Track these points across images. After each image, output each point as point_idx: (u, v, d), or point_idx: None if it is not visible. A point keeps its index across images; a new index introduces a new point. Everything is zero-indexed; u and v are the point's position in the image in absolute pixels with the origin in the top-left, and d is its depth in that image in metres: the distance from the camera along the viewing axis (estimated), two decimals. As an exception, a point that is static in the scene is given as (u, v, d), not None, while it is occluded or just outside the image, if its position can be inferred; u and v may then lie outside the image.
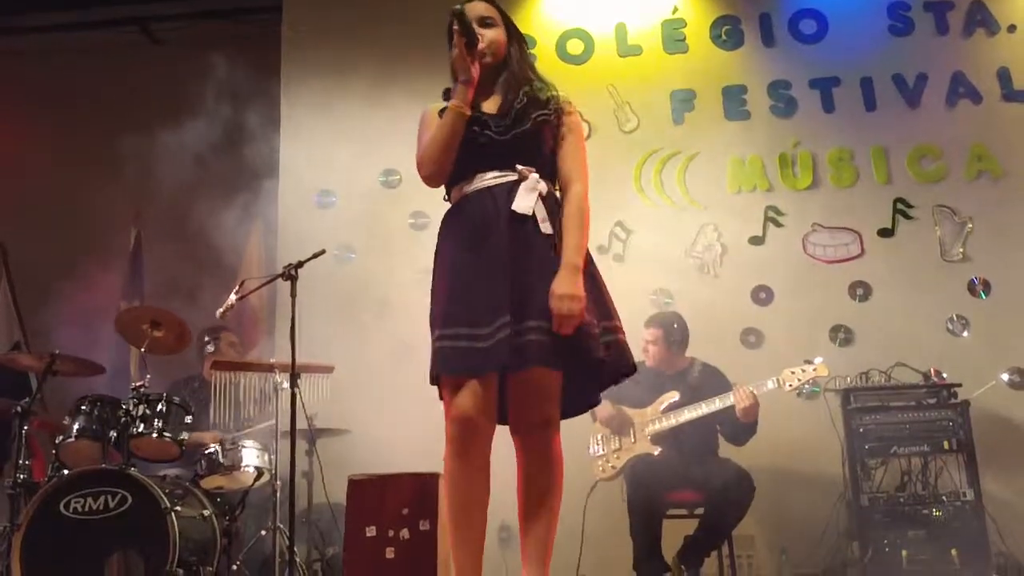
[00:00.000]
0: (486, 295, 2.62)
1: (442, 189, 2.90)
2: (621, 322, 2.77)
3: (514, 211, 2.68)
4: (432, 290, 2.79)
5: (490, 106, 2.83)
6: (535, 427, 2.70)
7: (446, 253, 2.78)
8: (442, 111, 2.80)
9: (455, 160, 2.76)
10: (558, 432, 2.74)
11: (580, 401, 2.84)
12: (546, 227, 2.70)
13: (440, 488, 4.20)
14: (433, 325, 2.71)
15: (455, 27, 2.75)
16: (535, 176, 2.74)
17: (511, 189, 2.72)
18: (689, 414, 4.63)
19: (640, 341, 4.95)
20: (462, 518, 2.69)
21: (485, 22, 2.84)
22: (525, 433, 2.72)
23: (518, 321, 2.59)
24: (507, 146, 2.74)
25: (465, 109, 2.74)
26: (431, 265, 2.84)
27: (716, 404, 4.60)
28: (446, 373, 2.64)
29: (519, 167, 2.74)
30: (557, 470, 2.72)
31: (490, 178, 2.75)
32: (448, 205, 2.90)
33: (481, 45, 2.78)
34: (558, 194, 2.85)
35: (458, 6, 2.76)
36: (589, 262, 2.80)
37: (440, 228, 2.86)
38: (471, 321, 2.61)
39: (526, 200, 2.70)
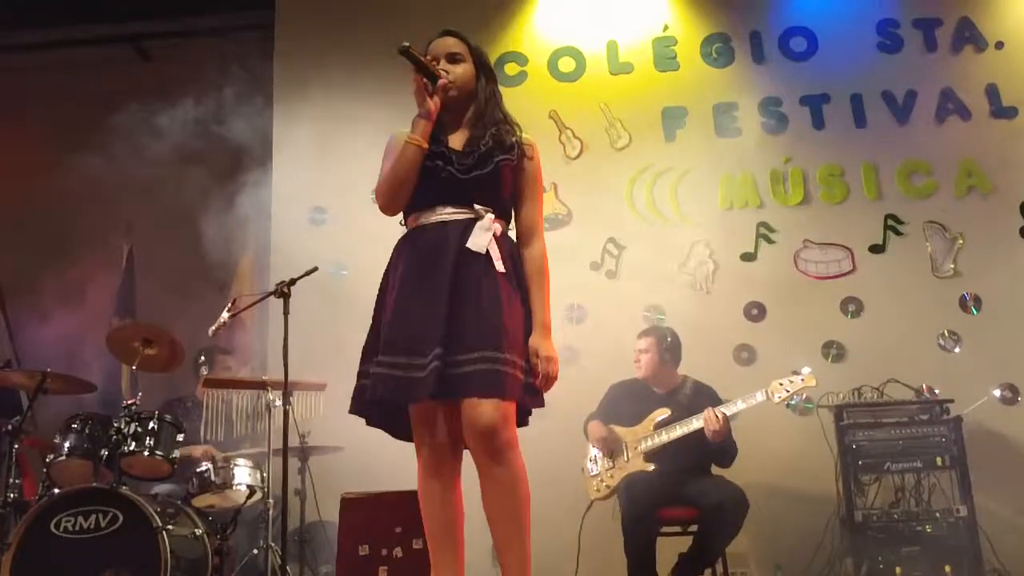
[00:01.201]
0: (425, 325, 2.67)
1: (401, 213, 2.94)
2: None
3: (466, 247, 2.73)
4: (376, 312, 2.87)
5: (456, 141, 2.87)
6: (490, 452, 2.68)
7: (395, 280, 2.82)
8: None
9: (416, 189, 2.82)
10: (516, 452, 2.72)
11: None
12: (499, 265, 2.75)
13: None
14: (370, 351, 2.78)
15: (411, 64, 2.79)
16: (490, 216, 2.80)
17: (466, 226, 2.77)
18: (680, 430, 4.63)
19: (633, 354, 4.96)
20: (440, 538, 2.79)
21: (454, 58, 2.89)
22: (482, 458, 2.71)
23: (460, 352, 2.63)
24: (467, 184, 2.80)
25: (422, 143, 2.78)
26: None
27: (692, 425, 4.61)
28: (379, 399, 2.70)
29: (476, 206, 2.79)
30: (520, 489, 2.71)
31: (447, 213, 2.80)
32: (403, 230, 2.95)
33: (443, 80, 2.82)
34: (511, 235, 2.91)
35: (404, 44, 2.76)
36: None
37: (393, 253, 2.92)
38: (410, 350, 2.67)
39: (480, 239, 2.75)
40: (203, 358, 5.30)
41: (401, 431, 2.89)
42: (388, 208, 2.88)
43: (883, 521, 4.73)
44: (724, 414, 4.55)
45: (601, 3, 6.45)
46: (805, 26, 6.27)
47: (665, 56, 6.33)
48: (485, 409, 2.63)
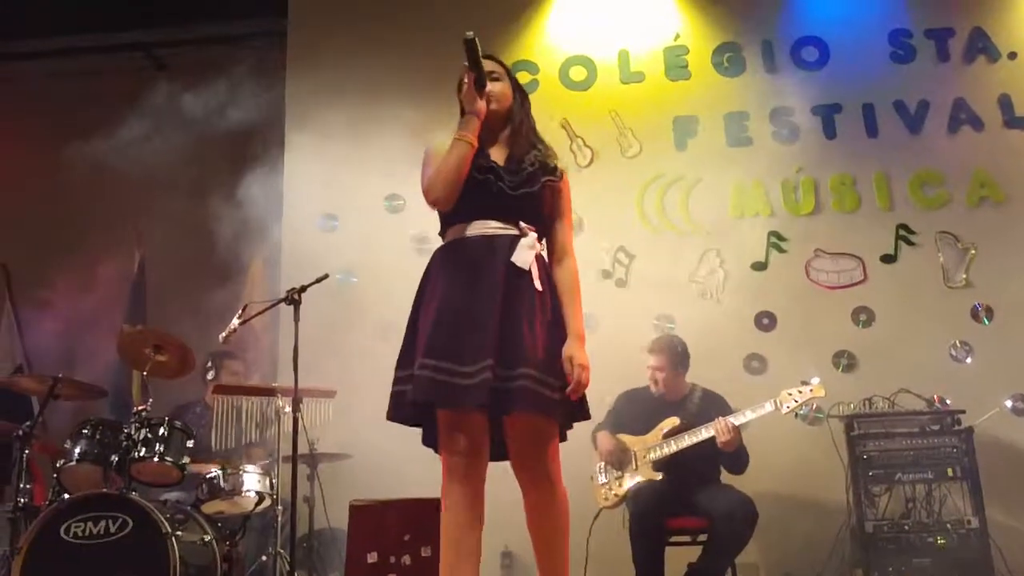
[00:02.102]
0: (473, 335, 2.74)
1: (436, 223, 3.02)
2: None
3: (512, 263, 2.82)
4: (413, 319, 2.92)
5: (497, 155, 2.96)
6: (533, 467, 2.82)
7: (437, 288, 2.87)
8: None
9: (462, 201, 2.87)
10: (558, 469, 2.84)
11: None
12: (538, 284, 2.84)
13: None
14: (412, 354, 2.83)
15: (465, 61, 2.86)
16: (534, 235, 2.90)
17: (511, 242, 2.86)
18: (690, 439, 4.61)
19: (642, 367, 4.94)
20: (455, 543, 2.83)
21: (491, 76, 2.96)
22: (525, 472, 2.84)
23: (507, 367, 2.71)
24: (515, 201, 2.89)
25: (472, 140, 2.86)
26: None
27: (702, 434, 4.59)
28: (422, 401, 2.76)
29: (522, 224, 2.89)
30: (561, 505, 2.84)
31: (493, 227, 2.88)
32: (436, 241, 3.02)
33: (488, 88, 2.90)
34: (544, 254, 3.00)
35: (470, 33, 2.82)
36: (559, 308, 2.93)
37: (433, 262, 2.97)
38: (456, 357, 2.72)
39: (525, 255, 2.84)
40: (210, 363, 5.30)
41: (431, 436, 2.95)
42: (443, 203, 2.89)
43: (894, 532, 4.71)
44: (734, 424, 4.54)
45: (613, 12, 6.46)
46: (817, 36, 6.27)
47: (676, 65, 6.33)
48: (539, 436, 2.78)
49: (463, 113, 2.95)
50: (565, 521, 2.84)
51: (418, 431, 2.97)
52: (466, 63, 2.86)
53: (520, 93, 3.07)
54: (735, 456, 4.63)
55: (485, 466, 2.87)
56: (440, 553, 2.85)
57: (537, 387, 2.70)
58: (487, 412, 2.77)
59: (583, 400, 2.89)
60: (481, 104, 2.88)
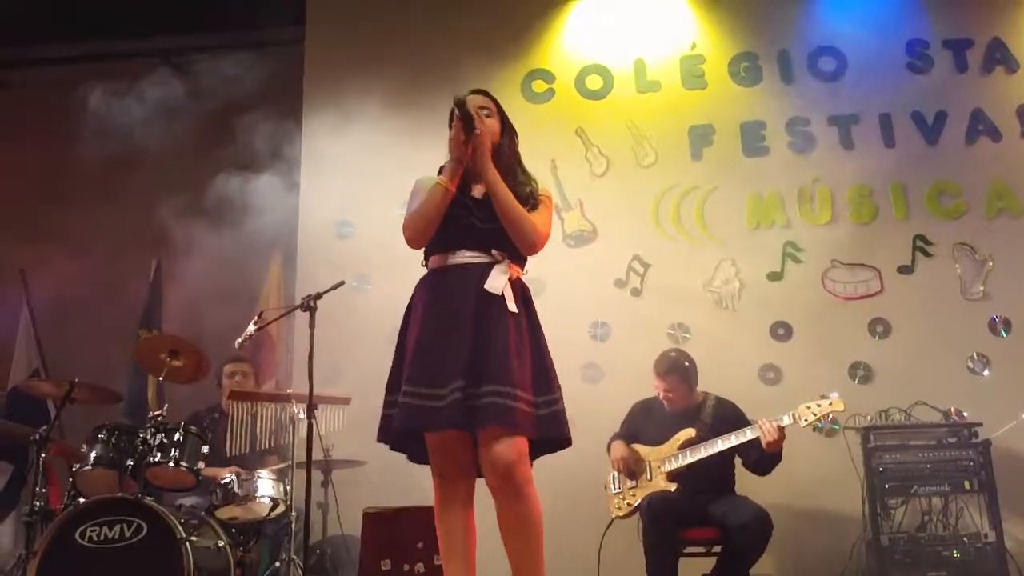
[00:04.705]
0: (447, 359, 2.89)
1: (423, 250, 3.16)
2: (561, 392, 2.98)
3: (484, 289, 2.96)
4: (400, 346, 3.09)
5: (479, 189, 3.10)
6: (500, 480, 2.86)
7: (418, 316, 3.05)
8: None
9: (440, 232, 3.06)
10: (532, 486, 2.89)
11: None
12: (511, 306, 2.96)
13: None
14: (399, 380, 2.96)
15: (457, 113, 3.01)
16: (507, 262, 3.03)
17: (484, 270, 3.00)
18: (706, 451, 4.59)
19: (651, 384, 4.91)
20: (453, 560, 2.98)
21: (481, 112, 3.13)
22: (494, 486, 2.89)
23: (477, 385, 2.83)
24: (487, 232, 3.04)
25: (451, 187, 3.04)
26: None
27: (732, 440, 4.55)
28: (405, 427, 2.89)
29: (494, 252, 3.03)
30: (536, 522, 2.89)
31: (468, 256, 3.04)
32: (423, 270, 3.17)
33: (478, 130, 3.02)
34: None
35: (459, 94, 3.03)
36: (537, 329, 3.05)
37: (416, 291, 3.14)
38: (433, 382, 2.87)
39: (497, 281, 2.98)
40: (215, 372, 5.26)
41: (416, 455, 3.09)
42: (415, 243, 3.12)
43: (910, 545, 4.68)
44: (779, 425, 4.48)
45: (629, 21, 6.46)
46: (834, 46, 6.25)
47: (693, 74, 6.33)
48: (503, 448, 2.82)
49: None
50: (536, 534, 2.89)
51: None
52: (458, 115, 3.00)
53: (508, 128, 3.20)
54: (774, 456, 4.58)
55: (470, 482, 3.00)
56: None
57: (505, 401, 2.80)
58: (462, 430, 2.87)
59: (556, 421, 2.93)
60: (466, 152, 3.01)
